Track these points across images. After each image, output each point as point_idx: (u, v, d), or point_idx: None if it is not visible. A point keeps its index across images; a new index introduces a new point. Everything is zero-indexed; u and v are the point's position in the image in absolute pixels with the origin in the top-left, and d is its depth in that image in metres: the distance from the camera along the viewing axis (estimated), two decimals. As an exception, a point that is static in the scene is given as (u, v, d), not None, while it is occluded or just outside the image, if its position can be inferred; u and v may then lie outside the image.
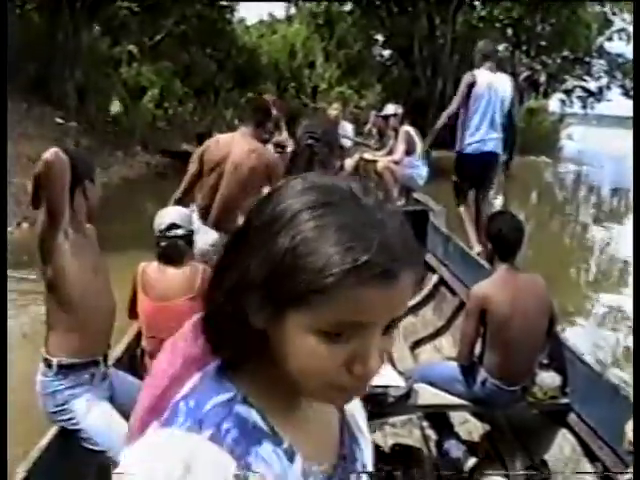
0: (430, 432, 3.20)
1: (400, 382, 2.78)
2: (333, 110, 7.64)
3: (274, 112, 4.31)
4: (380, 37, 26.24)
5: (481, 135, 4.98)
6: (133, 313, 2.88)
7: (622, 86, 28.52)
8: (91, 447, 2.25)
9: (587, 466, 2.67)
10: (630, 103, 27.34)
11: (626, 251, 8.18)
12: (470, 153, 5.04)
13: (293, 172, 4.00)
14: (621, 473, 2.36)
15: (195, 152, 3.98)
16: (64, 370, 2.26)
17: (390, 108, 6.77)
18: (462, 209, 5.31)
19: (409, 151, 6.27)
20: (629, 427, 2.11)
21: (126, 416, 2.20)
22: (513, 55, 24.12)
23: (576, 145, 26.80)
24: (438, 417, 3.14)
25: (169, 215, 2.83)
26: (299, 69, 26.24)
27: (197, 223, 3.52)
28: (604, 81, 29.47)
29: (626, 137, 12.36)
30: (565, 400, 2.90)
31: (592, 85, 29.93)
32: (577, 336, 5.18)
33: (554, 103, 29.03)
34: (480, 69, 5.03)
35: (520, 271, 2.85)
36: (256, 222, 0.65)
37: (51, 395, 2.27)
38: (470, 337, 2.84)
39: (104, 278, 2.38)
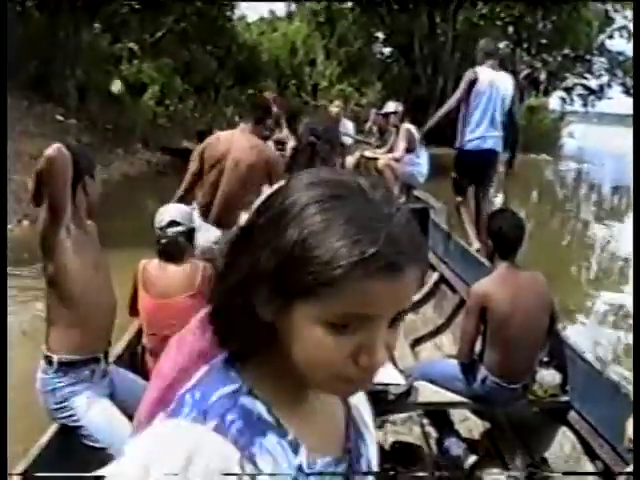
0: (430, 430, 3.20)
1: (400, 380, 2.78)
2: (334, 108, 7.66)
3: (274, 109, 4.31)
4: (381, 35, 26.26)
5: (481, 132, 4.97)
6: (134, 310, 2.88)
7: (623, 84, 28.48)
8: (92, 444, 2.25)
9: (587, 464, 2.68)
10: (631, 101, 27.18)
11: (627, 249, 8.19)
12: (470, 150, 5.03)
13: (294, 169, 3.98)
14: (621, 473, 2.36)
15: (195, 150, 3.98)
16: (64, 367, 2.26)
17: (391, 106, 6.77)
18: (461, 206, 5.30)
19: (410, 149, 6.26)
20: (629, 425, 2.11)
21: (127, 413, 2.20)
22: (514, 53, 24.04)
23: (577, 143, 26.72)
24: (438, 415, 3.14)
25: (169, 212, 2.83)
26: (300, 66, 26.22)
27: (198, 221, 3.52)
28: (605, 79, 29.51)
29: (627, 135, 12.33)
30: (565, 398, 2.90)
31: (593, 83, 29.97)
32: (578, 334, 5.18)
33: (555, 101, 29.05)
34: (482, 67, 5.02)
35: (521, 269, 2.85)
36: (265, 215, 0.65)
37: (51, 392, 2.27)
38: (470, 335, 2.84)
39: (105, 275, 2.38)
